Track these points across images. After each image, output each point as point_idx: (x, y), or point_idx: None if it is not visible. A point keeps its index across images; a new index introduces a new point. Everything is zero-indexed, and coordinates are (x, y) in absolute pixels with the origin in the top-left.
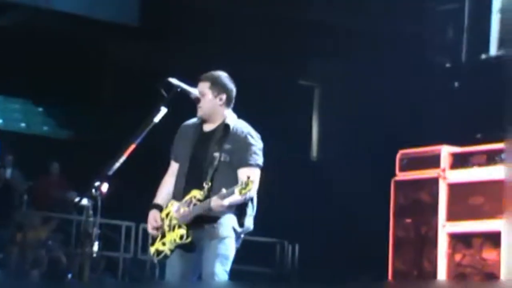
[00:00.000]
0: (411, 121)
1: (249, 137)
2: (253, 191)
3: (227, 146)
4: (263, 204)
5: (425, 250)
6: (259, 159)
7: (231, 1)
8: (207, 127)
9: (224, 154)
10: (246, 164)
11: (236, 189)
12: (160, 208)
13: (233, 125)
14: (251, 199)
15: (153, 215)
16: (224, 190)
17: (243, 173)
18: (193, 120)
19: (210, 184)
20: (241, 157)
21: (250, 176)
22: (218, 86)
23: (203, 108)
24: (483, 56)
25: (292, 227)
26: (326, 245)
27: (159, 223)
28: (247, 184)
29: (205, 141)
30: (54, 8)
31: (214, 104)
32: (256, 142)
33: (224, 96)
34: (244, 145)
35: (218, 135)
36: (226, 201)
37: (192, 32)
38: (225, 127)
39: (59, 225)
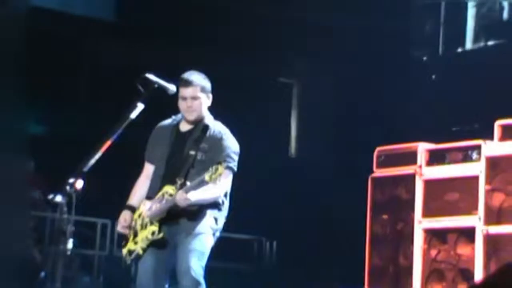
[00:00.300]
0: (389, 117)
1: (225, 138)
2: (222, 190)
3: (203, 145)
4: (240, 201)
5: (401, 246)
6: (231, 162)
7: None
8: (184, 127)
9: (200, 153)
10: (218, 163)
11: (206, 175)
12: (132, 209)
13: (211, 125)
14: (223, 202)
15: (123, 214)
16: (189, 183)
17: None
18: (168, 121)
19: (183, 180)
20: (215, 157)
21: (219, 168)
22: (207, 89)
23: (197, 112)
24: (459, 50)
25: (270, 224)
26: (304, 241)
27: (128, 222)
28: (217, 169)
29: (182, 141)
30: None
31: (205, 106)
32: (232, 145)
33: (211, 98)
34: (219, 146)
35: (196, 134)
36: (192, 195)
37: (170, 29)
38: (204, 127)
39: (34, 224)
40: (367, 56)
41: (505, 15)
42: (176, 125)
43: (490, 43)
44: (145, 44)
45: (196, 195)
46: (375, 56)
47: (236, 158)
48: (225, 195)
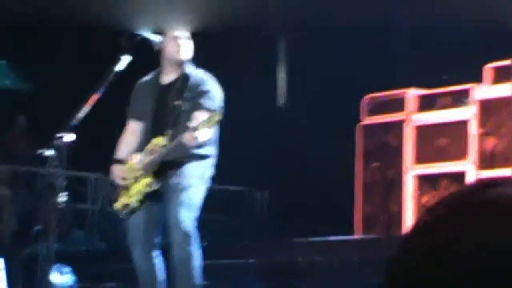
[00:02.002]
0: (377, 65)
1: (207, 84)
2: (209, 134)
3: (187, 94)
4: (230, 153)
5: (393, 193)
6: (213, 104)
7: None
8: (166, 79)
9: (185, 102)
10: (201, 107)
11: (204, 121)
12: (122, 162)
13: (193, 73)
14: (210, 145)
15: (117, 168)
16: (191, 125)
17: (197, 116)
18: (147, 77)
19: (172, 130)
20: (197, 102)
21: (215, 115)
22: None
23: (188, 52)
24: None
25: (260, 175)
26: (294, 191)
27: (125, 173)
28: (213, 116)
29: (165, 93)
30: None
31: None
32: (214, 89)
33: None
34: (201, 91)
35: (178, 85)
36: (199, 134)
37: None
38: (185, 77)
39: (25, 179)
40: (356, 2)
41: None
42: (156, 79)
43: None
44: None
45: (202, 136)
46: (362, 4)
47: (218, 101)
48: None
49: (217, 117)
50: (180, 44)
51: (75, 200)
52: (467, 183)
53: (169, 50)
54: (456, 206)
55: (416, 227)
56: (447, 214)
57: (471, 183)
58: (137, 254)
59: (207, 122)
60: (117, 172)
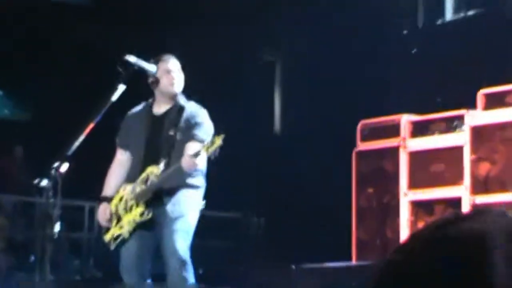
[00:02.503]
0: (372, 90)
1: (200, 116)
2: (201, 165)
3: (181, 125)
4: (227, 179)
5: (388, 219)
6: (206, 136)
7: None
8: (159, 110)
9: (179, 133)
10: (194, 138)
11: (203, 148)
12: (108, 199)
13: (187, 105)
14: (202, 184)
15: (103, 208)
16: (190, 151)
17: (189, 147)
18: (138, 107)
19: (167, 159)
20: (191, 133)
21: (216, 140)
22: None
23: (181, 84)
24: (439, 21)
25: (257, 201)
26: (291, 217)
27: (108, 215)
28: (213, 142)
29: (159, 123)
30: None
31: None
32: (206, 122)
33: None
34: (194, 123)
35: (172, 115)
36: (198, 160)
37: (150, 10)
38: (179, 109)
39: (22, 208)
40: (349, 31)
41: None
42: (149, 109)
43: (470, 13)
44: (123, 28)
45: (200, 161)
46: (357, 30)
47: (210, 134)
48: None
49: (219, 142)
50: (174, 77)
51: (71, 229)
52: (436, 219)
53: (163, 83)
54: (426, 241)
55: (389, 259)
56: (418, 248)
57: (435, 219)
58: (129, 282)
59: (209, 146)
60: (101, 214)
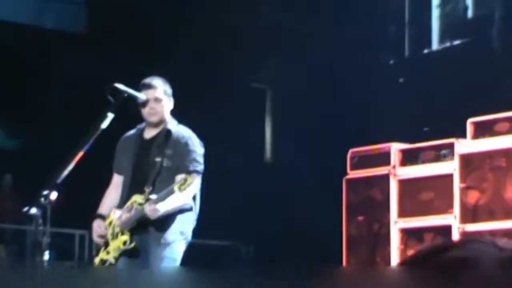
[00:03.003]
0: (361, 119)
1: (189, 142)
2: (190, 196)
3: (168, 151)
4: (216, 206)
5: (378, 247)
6: (198, 166)
7: (175, 4)
8: (148, 134)
9: (166, 159)
10: (185, 170)
11: (175, 186)
12: (103, 217)
13: (174, 130)
14: (191, 208)
15: (97, 223)
16: (154, 196)
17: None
18: (132, 131)
19: (151, 188)
20: (181, 163)
21: (188, 178)
22: (168, 92)
23: (159, 113)
24: (426, 51)
25: (246, 229)
26: (281, 245)
27: (104, 231)
28: (185, 180)
29: (146, 148)
30: None
31: (168, 109)
32: (197, 148)
33: (172, 101)
34: (184, 151)
35: (160, 140)
36: (161, 206)
37: (139, 39)
38: (167, 132)
39: (13, 237)
40: (337, 60)
41: (470, 13)
42: (140, 134)
43: (456, 42)
44: (115, 56)
45: (165, 206)
46: (345, 60)
47: (201, 160)
48: (194, 198)
49: (190, 180)
50: (152, 107)
51: (61, 257)
52: (419, 249)
53: (144, 112)
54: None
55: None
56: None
57: (422, 249)
58: None
59: (182, 184)
60: (96, 229)
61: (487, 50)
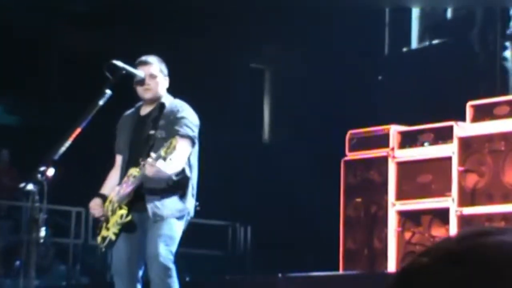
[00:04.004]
0: (360, 100)
1: (181, 110)
2: (183, 161)
3: (161, 122)
4: (215, 187)
5: (376, 229)
6: (189, 131)
7: None
8: (144, 111)
9: (160, 131)
10: (176, 134)
11: (162, 150)
12: (102, 196)
13: (168, 103)
14: (188, 178)
15: (94, 201)
16: (152, 155)
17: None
18: (131, 110)
19: (145, 159)
20: (172, 129)
21: (173, 141)
22: (164, 70)
23: (154, 90)
24: (405, 49)
25: (244, 210)
26: (278, 226)
27: (99, 206)
28: (171, 143)
29: (142, 124)
30: None
31: (163, 85)
32: (189, 115)
33: (168, 80)
34: (176, 118)
35: (154, 114)
36: (159, 163)
37: (140, 16)
38: (160, 106)
39: (8, 212)
40: (337, 41)
41: (449, 14)
42: (137, 111)
43: (435, 41)
44: (115, 33)
45: (163, 164)
46: (345, 42)
47: (194, 128)
48: (190, 168)
49: (175, 142)
50: (147, 83)
51: (57, 234)
52: (459, 231)
53: (138, 90)
54: (454, 250)
55: (411, 268)
56: (446, 257)
57: (462, 231)
58: (120, 285)
59: (167, 148)
60: (92, 205)
61: (466, 50)
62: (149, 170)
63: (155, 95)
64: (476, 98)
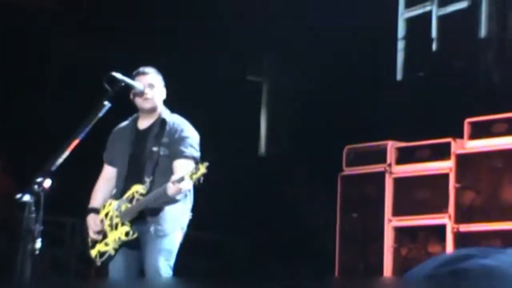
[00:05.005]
0: (357, 115)
1: (184, 129)
2: (187, 188)
3: (165, 140)
4: (210, 200)
5: (371, 244)
6: (194, 152)
7: None
8: (142, 125)
9: (163, 148)
10: (182, 156)
11: (187, 175)
12: (97, 211)
13: (169, 119)
14: (186, 196)
15: (93, 219)
16: (176, 176)
17: (178, 165)
18: (125, 122)
19: (152, 177)
20: (177, 149)
21: (201, 168)
22: (161, 80)
23: (153, 99)
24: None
25: (240, 223)
26: (274, 241)
27: (99, 226)
28: (198, 169)
29: (142, 139)
30: None
31: (162, 96)
32: (192, 135)
33: (165, 92)
34: (180, 138)
35: (155, 130)
36: (182, 185)
37: (138, 28)
38: (162, 122)
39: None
40: (337, 54)
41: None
42: (134, 124)
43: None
44: (112, 42)
45: (186, 186)
46: (345, 55)
47: (197, 147)
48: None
49: (204, 170)
50: (146, 93)
51: (53, 245)
52: (442, 255)
53: (137, 100)
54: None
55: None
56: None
57: (443, 256)
58: None
59: (193, 173)
60: (92, 226)
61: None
62: (172, 191)
63: (154, 105)
64: (474, 115)
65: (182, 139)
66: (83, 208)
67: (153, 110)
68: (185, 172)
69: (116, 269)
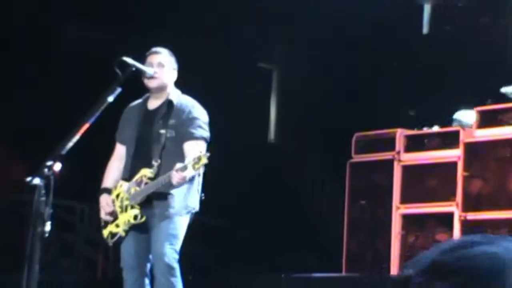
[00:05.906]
0: (368, 104)
1: (193, 110)
2: (191, 175)
3: (171, 122)
4: (219, 187)
5: (379, 232)
6: (204, 132)
7: None
8: (152, 105)
9: (170, 130)
10: (191, 137)
11: (189, 165)
12: (109, 191)
13: (176, 100)
14: (198, 175)
15: (105, 199)
16: (179, 164)
17: (189, 146)
18: (137, 101)
19: (159, 161)
20: (186, 131)
21: (201, 151)
22: (173, 62)
23: (160, 79)
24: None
25: (248, 209)
26: (282, 227)
27: (111, 207)
28: (199, 159)
29: (149, 119)
30: None
31: (171, 76)
32: (201, 115)
33: (176, 74)
34: (188, 119)
35: (163, 111)
36: (186, 173)
37: (148, 14)
38: (169, 103)
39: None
40: (347, 43)
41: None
42: (144, 104)
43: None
44: (123, 30)
45: (190, 173)
46: (352, 42)
47: (207, 127)
48: None
49: (205, 160)
50: (154, 72)
51: (62, 229)
52: (445, 241)
53: (147, 83)
54: (439, 262)
55: (399, 279)
56: (431, 269)
57: (447, 242)
58: (130, 279)
59: (196, 163)
60: (104, 206)
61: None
62: (176, 180)
63: (161, 84)
64: (483, 104)
65: (190, 120)
66: (92, 193)
67: (161, 89)
68: (188, 161)
69: (127, 252)
